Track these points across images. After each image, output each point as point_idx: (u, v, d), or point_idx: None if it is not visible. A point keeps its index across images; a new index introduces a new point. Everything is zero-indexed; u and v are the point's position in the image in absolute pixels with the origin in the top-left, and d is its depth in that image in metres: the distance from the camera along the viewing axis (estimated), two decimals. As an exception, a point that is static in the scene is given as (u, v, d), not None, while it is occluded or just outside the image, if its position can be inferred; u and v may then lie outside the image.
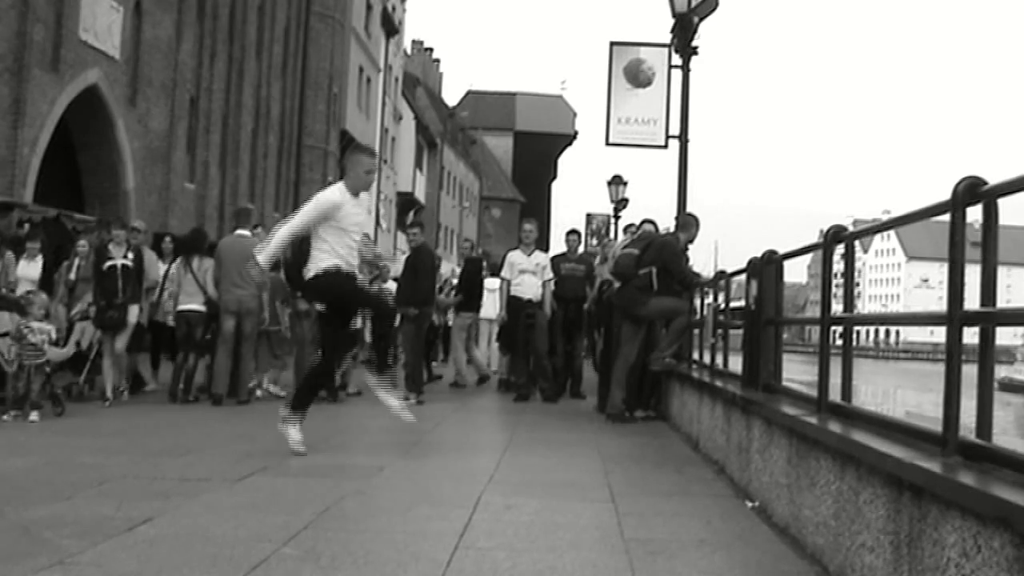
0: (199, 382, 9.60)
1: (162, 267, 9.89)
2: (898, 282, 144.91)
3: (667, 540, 4.03)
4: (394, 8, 42.96)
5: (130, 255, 8.95)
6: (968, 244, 2.86)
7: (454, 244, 53.90)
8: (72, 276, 9.53)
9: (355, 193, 6.09)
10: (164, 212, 20.84)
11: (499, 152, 71.06)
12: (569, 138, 74.17)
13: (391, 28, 41.49)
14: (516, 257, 10.75)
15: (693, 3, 10.45)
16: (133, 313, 8.93)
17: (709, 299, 8.22)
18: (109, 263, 8.83)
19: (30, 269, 9.45)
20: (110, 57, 18.33)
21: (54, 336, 8.04)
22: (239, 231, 9.64)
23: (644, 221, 9.73)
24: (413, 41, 58.74)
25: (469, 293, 12.49)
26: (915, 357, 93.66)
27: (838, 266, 4.32)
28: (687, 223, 8.93)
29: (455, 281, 16.03)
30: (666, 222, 10.09)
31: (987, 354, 2.77)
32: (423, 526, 4.15)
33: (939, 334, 3.10)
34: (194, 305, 9.26)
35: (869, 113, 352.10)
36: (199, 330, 9.33)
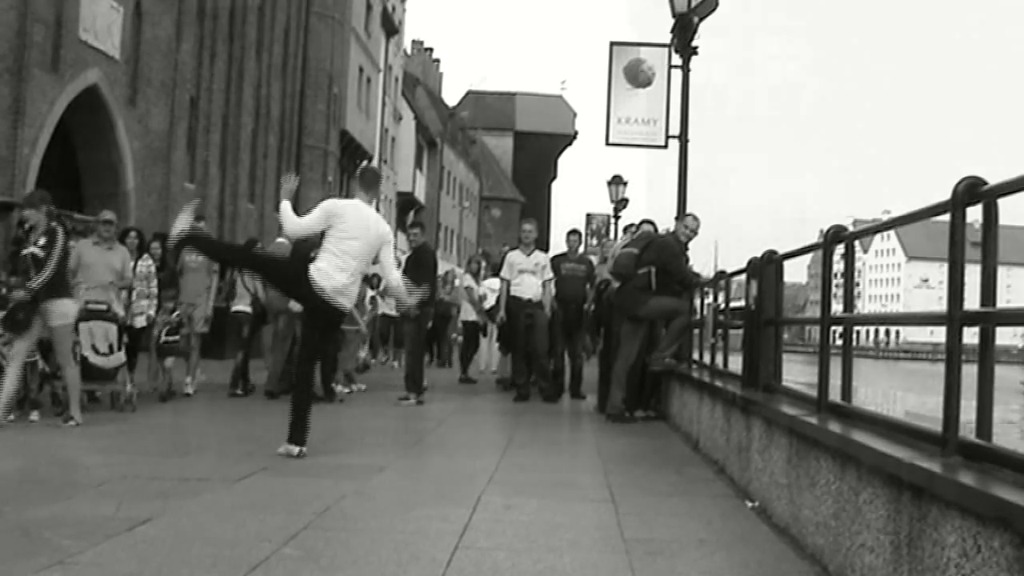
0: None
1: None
2: (898, 282, 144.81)
3: (667, 540, 4.03)
4: (394, 8, 42.93)
5: (43, 240, 6.97)
6: (968, 244, 2.86)
7: (454, 244, 53.91)
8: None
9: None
10: (164, 212, 20.79)
11: (499, 152, 70.99)
12: (569, 138, 74.13)
13: (391, 28, 41.46)
14: (515, 257, 10.73)
15: (693, 3, 10.46)
16: (57, 313, 7.03)
17: (709, 299, 8.21)
18: (23, 252, 7.10)
19: None
20: (110, 57, 18.29)
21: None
22: (280, 239, 10.11)
23: (643, 221, 9.75)
24: (413, 41, 58.73)
25: None
26: (915, 357, 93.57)
27: (838, 266, 4.32)
28: (687, 222, 8.93)
29: (457, 282, 16.00)
30: (666, 222, 10.10)
31: (987, 354, 2.77)
32: (423, 526, 4.15)
33: (939, 334, 3.10)
34: (242, 307, 10.10)
35: (869, 113, 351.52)
36: (246, 329, 10.15)
